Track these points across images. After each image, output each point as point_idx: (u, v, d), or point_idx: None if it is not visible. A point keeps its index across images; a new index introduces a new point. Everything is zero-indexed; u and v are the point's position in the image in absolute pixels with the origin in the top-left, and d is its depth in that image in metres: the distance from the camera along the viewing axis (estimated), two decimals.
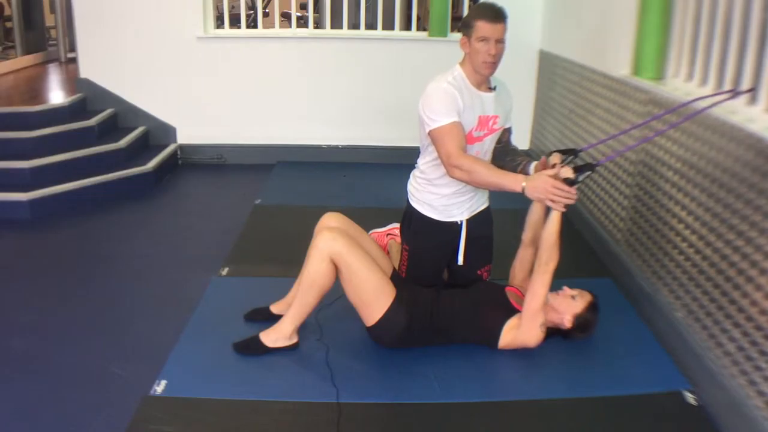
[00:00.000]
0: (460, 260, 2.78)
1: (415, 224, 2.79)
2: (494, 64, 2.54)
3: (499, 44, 2.51)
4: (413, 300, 2.52)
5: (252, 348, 2.50)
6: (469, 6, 5.28)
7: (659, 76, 3.06)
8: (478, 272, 2.84)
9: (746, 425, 2.13)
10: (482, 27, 2.49)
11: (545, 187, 2.30)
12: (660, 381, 2.40)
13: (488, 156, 2.76)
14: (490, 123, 2.65)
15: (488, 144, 2.72)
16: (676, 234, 2.73)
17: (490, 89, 2.64)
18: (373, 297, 2.44)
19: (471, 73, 2.58)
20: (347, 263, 2.40)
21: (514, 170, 2.72)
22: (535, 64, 5.10)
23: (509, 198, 3.05)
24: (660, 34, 3.01)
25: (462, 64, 2.60)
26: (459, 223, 2.76)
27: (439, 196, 2.71)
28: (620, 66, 3.37)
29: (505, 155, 2.83)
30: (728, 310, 2.31)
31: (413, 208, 2.78)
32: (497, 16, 2.49)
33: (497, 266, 2.89)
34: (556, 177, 2.35)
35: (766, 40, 2.29)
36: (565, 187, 2.29)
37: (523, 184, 2.34)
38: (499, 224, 2.88)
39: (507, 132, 2.85)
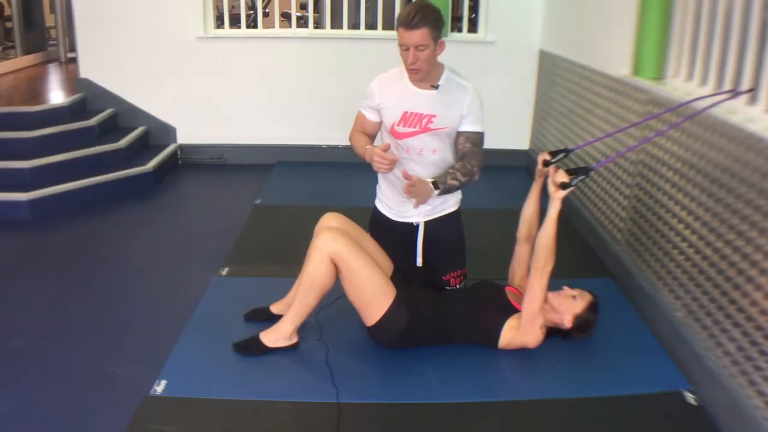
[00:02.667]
0: (419, 261, 2.79)
1: (373, 221, 2.86)
2: (419, 71, 2.52)
3: (420, 51, 2.46)
4: (413, 300, 2.52)
5: (252, 348, 2.50)
6: (470, 6, 5.28)
7: (659, 76, 3.06)
8: (444, 278, 2.80)
9: (746, 425, 2.13)
10: (401, 34, 2.46)
11: (370, 154, 2.53)
12: (660, 381, 2.41)
13: (439, 155, 2.67)
14: (424, 121, 2.61)
15: (427, 143, 2.64)
16: (676, 234, 2.73)
17: (433, 87, 2.60)
18: (373, 297, 2.44)
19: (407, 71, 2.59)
20: (347, 263, 2.40)
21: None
22: (535, 64, 5.10)
23: (507, 198, 3.06)
24: (660, 34, 3.01)
25: None
26: (415, 224, 2.77)
27: (391, 195, 2.75)
28: (620, 66, 3.37)
29: (449, 167, 2.67)
30: (728, 310, 2.31)
31: (374, 205, 2.88)
32: (413, 21, 2.42)
33: (497, 266, 2.89)
34: (554, 182, 2.39)
35: (766, 40, 2.29)
36: (385, 156, 2.47)
37: (367, 147, 2.60)
38: (498, 224, 2.88)
39: (463, 138, 2.65)
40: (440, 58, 2.62)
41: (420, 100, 2.61)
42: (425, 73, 2.56)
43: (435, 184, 2.51)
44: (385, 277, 2.49)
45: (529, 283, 2.46)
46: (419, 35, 2.43)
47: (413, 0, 2.58)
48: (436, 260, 2.80)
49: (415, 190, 2.43)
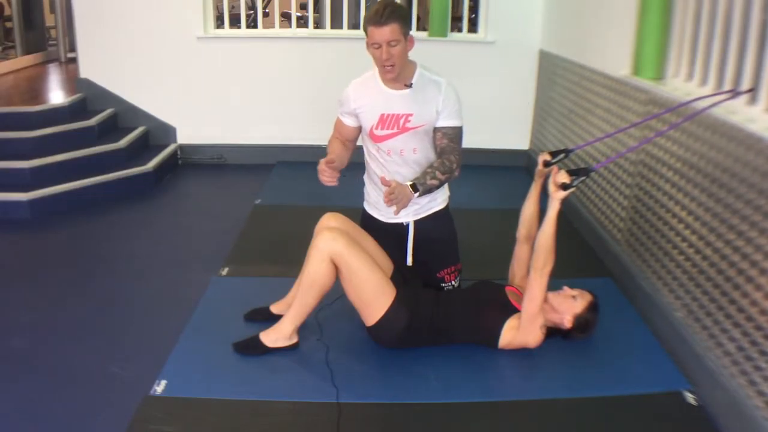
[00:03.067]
0: (409, 261, 2.79)
1: (362, 222, 2.85)
2: (393, 67, 2.52)
3: (392, 47, 2.46)
4: (414, 300, 2.52)
5: (252, 348, 2.50)
6: (470, 6, 5.28)
7: (659, 76, 3.06)
8: (438, 275, 2.81)
9: (746, 425, 2.13)
10: (372, 33, 2.47)
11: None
12: (660, 381, 2.40)
13: (420, 155, 2.68)
14: (401, 122, 2.61)
15: (407, 143, 2.65)
16: (676, 234, 2.73)
17: (406, 86, 2.61)
18: (373, 297, 2.44)
19: (380, 72, 2.60)
20: (347, 263, 2.40)
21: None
22: (535, 64, 5.10)
23: (507, 198, 3.06)
24: (660, 34, 3.01)
25: None
26: (405, 224, 2.77)
27: (378, 198, 2.73)
28: (620, 66, 3.37)
29: (429, 165, 2.65)
30: (728, 310, 2.31)
31: (363, 208, 2.89)
32: (381, 18, 2.43)
33: (497, 266, 2.88)
34: (554, 182, 2.39)
35: (766, 40, 2.29)
36: (324, 168, 2.51)
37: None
38: (498, 224, 2.88)
39: (440, 134, 2.64)
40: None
41: (395, 100, 2.62)
42: (399, 70, 2.55)
43: (414, 187, 2.47)
44: (386, 278, 2.49)
45: (529, 283, 2.46)
46: (390, 31, 2.44)
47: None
48: (429, 258, 2.80)
49: (394, 197, 2.37)
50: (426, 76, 2.64)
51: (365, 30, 2.51)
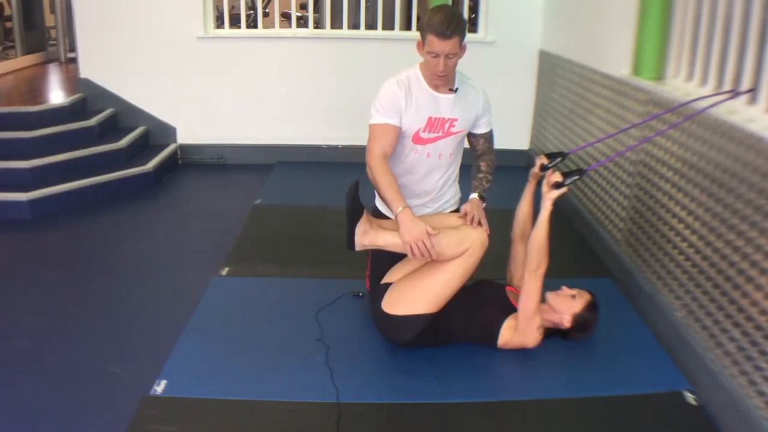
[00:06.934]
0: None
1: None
2: (445, 77, 2.52)
3: (449, 59, 2.45)
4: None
5: (353, 208, 2.48)
6: (470, 6, 5.28)
7: (659, 76, 3.06)
8: None
9: (746, 425, 2.13)
10: (432, 42, 2.42)
11: (414, 233, 2.36)
12: (660, 381, 2.40)
13: (452, 158, 2.72)
14: (446, 126, 2.62)
15: (447, 147, 2.66)
16: (676, 234, 2.73)
17: (451, 90, 2.60)
18: (429, 296, 2.45)
19: (428, 76, 2.57)
20: (464, 262, 2.42)
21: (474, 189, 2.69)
22: (535, 64, 5.10)
23: (507, 198, 3.06)
24: (660, 34, 3.01)
25: (422, 64, 2.59)
26: None
27: None
28: (620, 66, 3.37)
29: (476, 171, 2.74)
30: (728, 310, 2.31)
31: (374, 205, 2.87)
32: (447, 31, 2.37)
33: (497, 266, 2.88)
34: (548, 182, 2.39)
35: (766, 40, 2.29)
36: (429, 244, 2.37)
37: (399, 209, 2.42)
38: (498, 224, 2.87)
39: (482, 140, 2.75)
40: None
41: (442, 104, 2.60)
42: (450, 80, 2.57)
43: (481, 197, 2.61)
44: (449, 297, 2.49)
45: (524, 284, 2.46)
46: (452, 44, 2.41)
47: (437, 5, 2.56)
48: None
49: (477, 215, 2.50)
50: (466, 82, 2.65)
51: (424, 34, 2.45)
